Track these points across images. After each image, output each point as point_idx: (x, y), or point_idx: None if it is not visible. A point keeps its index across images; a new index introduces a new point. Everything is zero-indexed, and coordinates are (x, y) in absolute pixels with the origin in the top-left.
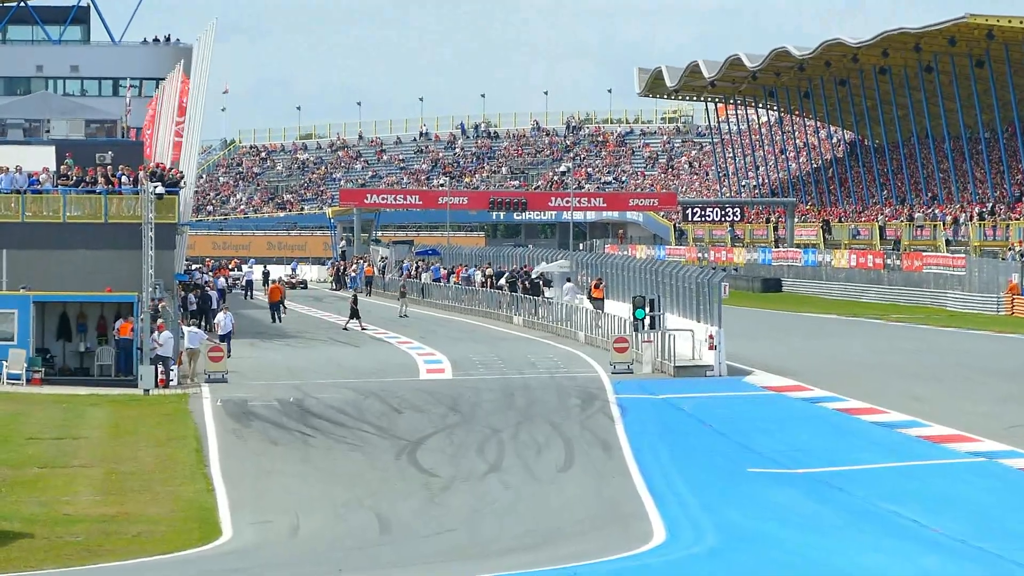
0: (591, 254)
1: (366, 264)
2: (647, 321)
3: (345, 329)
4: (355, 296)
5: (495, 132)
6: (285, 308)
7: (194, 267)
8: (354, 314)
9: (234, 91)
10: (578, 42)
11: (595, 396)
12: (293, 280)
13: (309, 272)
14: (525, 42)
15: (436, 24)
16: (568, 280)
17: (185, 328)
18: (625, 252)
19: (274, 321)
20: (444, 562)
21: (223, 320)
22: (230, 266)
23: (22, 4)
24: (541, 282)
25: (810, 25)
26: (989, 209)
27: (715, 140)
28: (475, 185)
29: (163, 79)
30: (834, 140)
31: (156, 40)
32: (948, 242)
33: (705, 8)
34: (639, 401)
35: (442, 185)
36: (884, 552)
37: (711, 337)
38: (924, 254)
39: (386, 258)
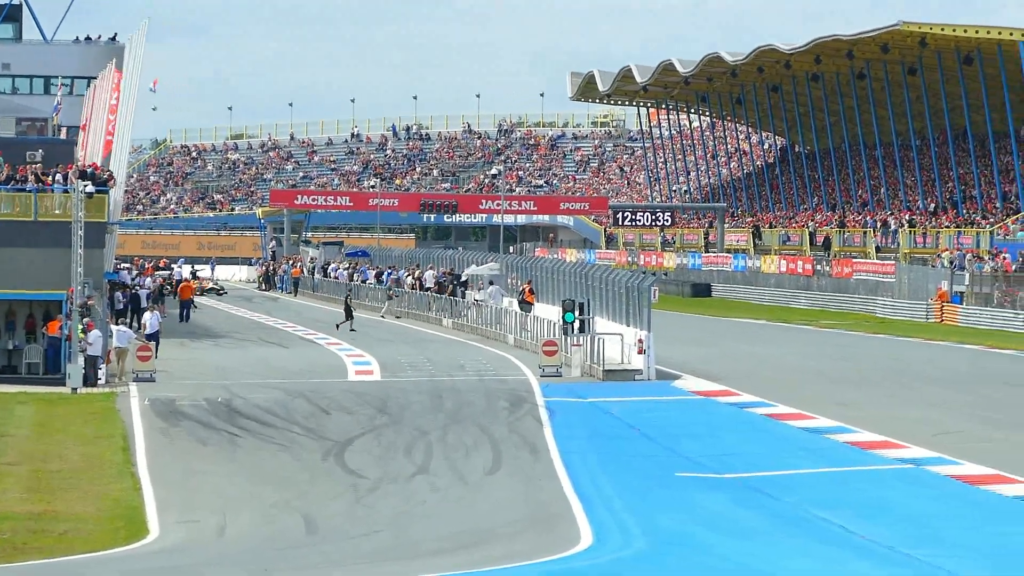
0: (521, 257)
1: (293, 265)
2: (576, 325)
3: (337, 327)
4: (347, 297)
5: (426, 134)
6: (195, 306)
7: (123, 266)
8: (348, 314)
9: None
10: (511, 45)
11: (524, 399)
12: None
13: (239, 272)
14: (457, 44)
15: (368, 25)
16: (492, 283)
17: (114, 327)
18: (555, 256)
19: (182, 320)
20: (371, 563)
21: (150, 320)
22: (159, 265)
23: None
24: (467, 284)
25: (744, 31)
26: (931, 212)
27: (647, 145)
28: (406, 187)
29: (95, 78)
30: (766, 146)
31: (88, 38)
32: (878, 249)
33: (639, 13)
34: (567, 404)
35: (373, 187)
36: (813, 558)
37: (640, 341)
38: (854, 260)
39: (315, 259)
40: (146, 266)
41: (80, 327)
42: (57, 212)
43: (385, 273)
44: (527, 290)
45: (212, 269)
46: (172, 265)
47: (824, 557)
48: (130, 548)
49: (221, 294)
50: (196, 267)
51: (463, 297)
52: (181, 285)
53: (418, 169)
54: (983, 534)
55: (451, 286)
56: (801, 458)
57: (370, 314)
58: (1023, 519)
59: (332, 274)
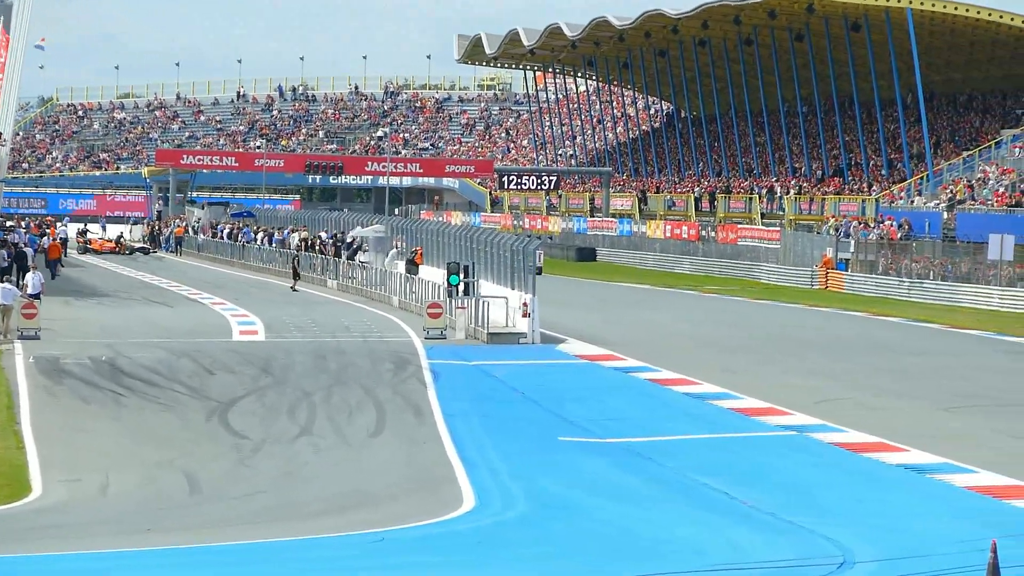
0: (406, 219)
1: (177, 224)
2: (461, 287)
3: (294, 290)
4: (296, 257)
5: (313, 95)
6: (62, 265)
7: (8, 223)
8: (295, 276)
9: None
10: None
11: (408, 361)
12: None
13: (127, 233)
14: (344, 5)
15: None
16: (395, 247)
17: None
18: (440, 218)
19: (49, 278)
20: (253, 524)
21: (32, 279)
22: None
23: None
24: (353, 246)
25: None
26: (816, 179)
27: (533, 108)
28: (291, 148)
29: None
30: (652, 111)
31: None
32: (763, 215)
33: None
34: (452, 367)
35: (258, 147)
36: (694, 523)
37: (525, 305)
38: (739, 226)
39: (200, 219)
40: (31, 225)
41: None
42: None
43: (285, 233)
44: (418, 252)
45: (103, 228)
46: (57, 223)
47: (705, 523)
48: (12, 506)
49: (147, 253)
50: (87, 226)
51: (350, 259)
52: (50, 245)
53: (304, 130)
54: (864, 501)
55: (335, 247)
56: (684, 423)
57: (257, 275)
58: (905, 487)
59: (219, 234)
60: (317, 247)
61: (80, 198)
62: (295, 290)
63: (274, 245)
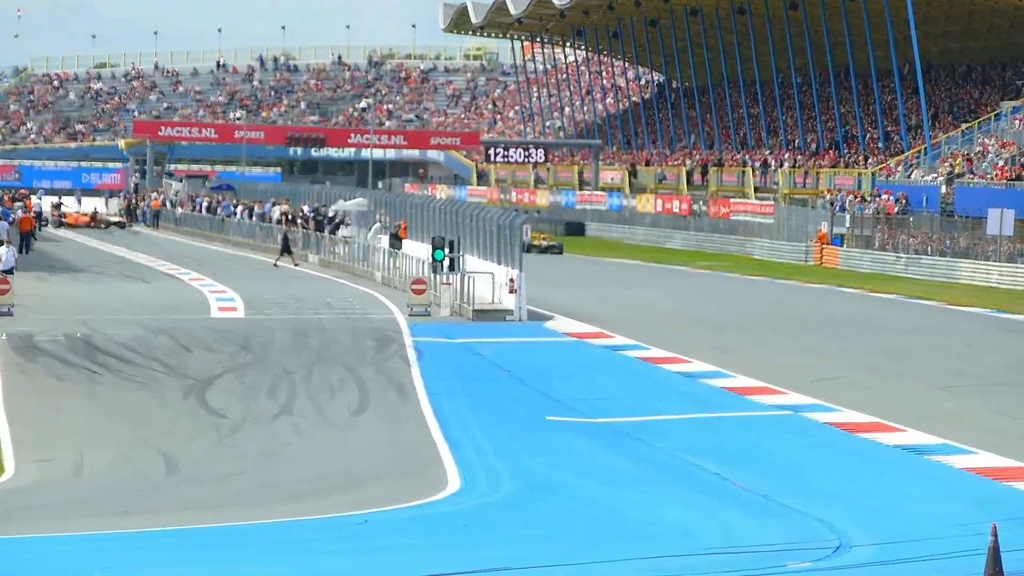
0: (390, 193)
1: (153, 198)
2: (446, 263)
3: (275, 266)
4: (285, 233)
5: (294, 65)
6: (36, 239)
7: None
8: (285, 249)
9: (29, 17)
10: None
11: (391, 339)
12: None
13: (103, 206)
14: None
15: None
16: (378, 221)
17: None
18: (425, 192)
19: (21, 252)
20: (233, 506)
21: (4, 254)
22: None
23: None
24: (336, 220)
25: None
26: (811, 152)
27: (520, 79)
28: (272, 120)
29: None
30: (642, 82)
31: None
32: (757, 189)
33: None
34: (436, 345)
35: (239, 119)
36: (684, 505)
37: (512, 281)
38: (732, 201)
39: (179, 192)
40: (4, 198)
41: None
42: None
43: (266, 207)
44: (402, 226)
45: (78, 201)
46: (32, 196)
47: (696, 505)
48: None
49: (123, 227)
50: (61, 199)
51: (332, 234)
52: (22, 217)
53: (285, 101)
54: (860, 483)
55: (315, 221)
56: (675, 403)
57: (237, 250)
58: (901, 468)
59: (198, 207)
60: (299, 221)
61: (56, 176)
62: (277, 266)
63: (254, 219)
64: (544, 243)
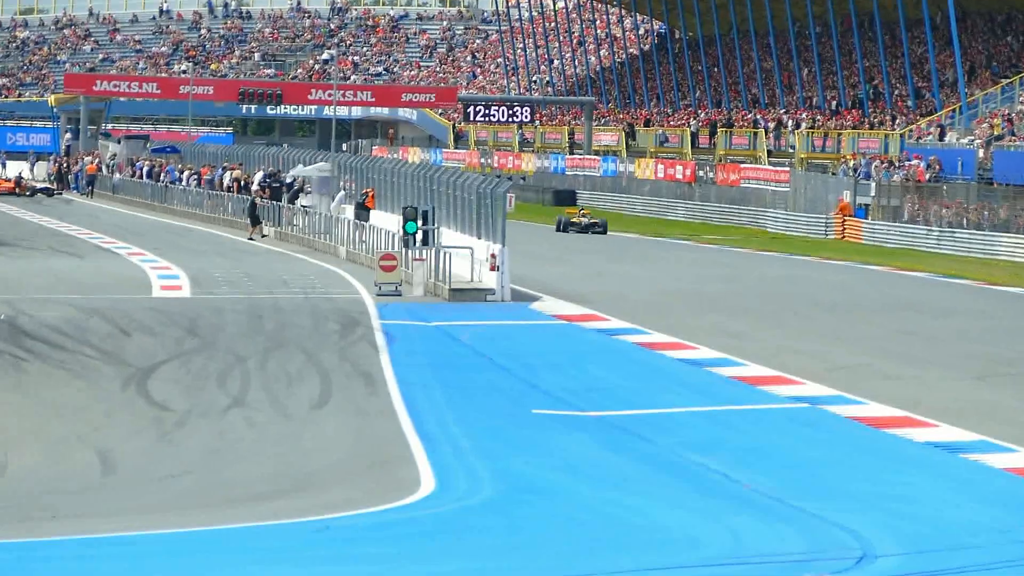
0: (356, 157)
1: (87, 161)
2: (419, 236)
3: (251, 240)
4: (254, 201)
5: (247, 12)
6: None
7: None
8: (256, 220)
9: None
10: None
11: (357, 321)
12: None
13: (27, 172)
14: None
15: None
16: (343, 189)
17: None
18: (396, 155)
19: None
20: (177, 509)
21: None
22: None
23: None
24: (294, 187)
25: None
26: (832, 111)
27: (503, 28)
28: (223, 73)
29: None
30: (641, 32)
31: None
32: (770, 153)
33: None
34: (408, 328)
35: (184, 72)
36: (688, 510)
37: (493, 256)
38: (742, 166)
39: (116, 155)
40: None
41: None
42: None
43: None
44: (370, 195)
45: (3, 166)
46: None
47: (701, 509)
48: None
49: (52, 194)
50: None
51: (291, 203)
52: None
53: (237, 52)
54: (885, 485)
55: (270, 189)
56: (678, 394)
57: (183, 221)
58: (933, 468)
59: (138, 173)
60: (253, 189)
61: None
62: (251, 240)
63: (203, 186)
64: (585, 220)
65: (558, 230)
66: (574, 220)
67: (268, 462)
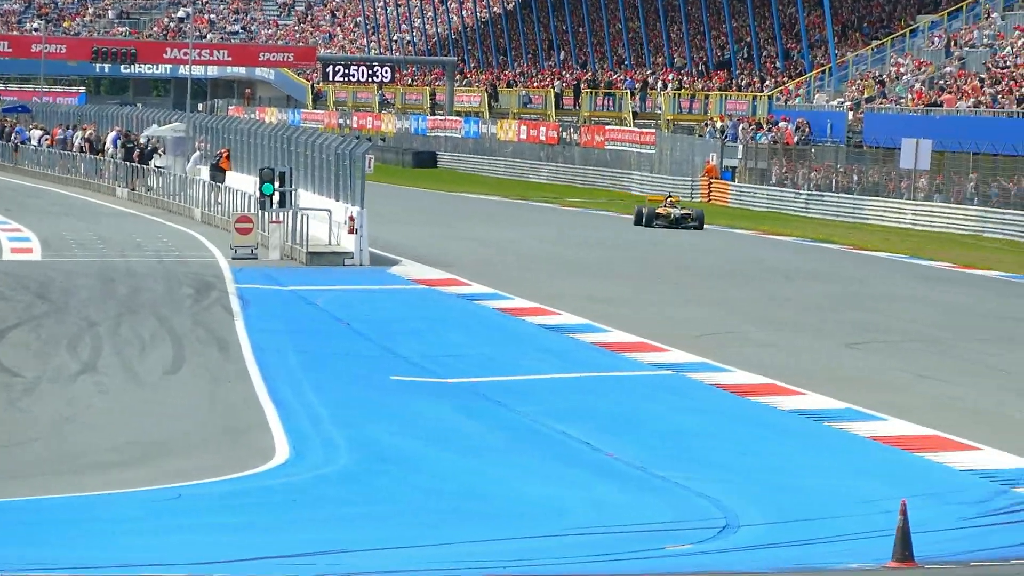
0: (212, 117)
1: None
2: (276, 198)
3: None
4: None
5: None
6: None
7: None
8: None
9: None
10: None
11: (211, 285)
12: None
13: None
14: None
15: None
16: (198, 149)
17: None
18: (252, 115)
19: None
20: (24, 478)
21: None
22: None
23: None
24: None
25: None
26: (699, 73)
27: None
28: (75, 31)
29: None
30: None
31: None
32: (635, 114)
33: None
34: (264, 292)
35: (36, 30)
36: (550, 479)
37: (351, 219)
38: (607, 128)
39: None
40: None
41: None
42: None
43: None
44: (224, 155)
45: None
46: None
47: (563, 478)
48: None
49: None
50: None
51: (144, 164)
52: None
53: (91, 10)
54: (752, 454)
55: (124, 149)
56: (540, 361)
57: (34, 182)
58: (800, 437)
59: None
60: (107, 149)
61: None
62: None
63: (54, 146)
64: (676, 212)
65: (638, 223)
66: (660, 212)
67: (119, 429)
